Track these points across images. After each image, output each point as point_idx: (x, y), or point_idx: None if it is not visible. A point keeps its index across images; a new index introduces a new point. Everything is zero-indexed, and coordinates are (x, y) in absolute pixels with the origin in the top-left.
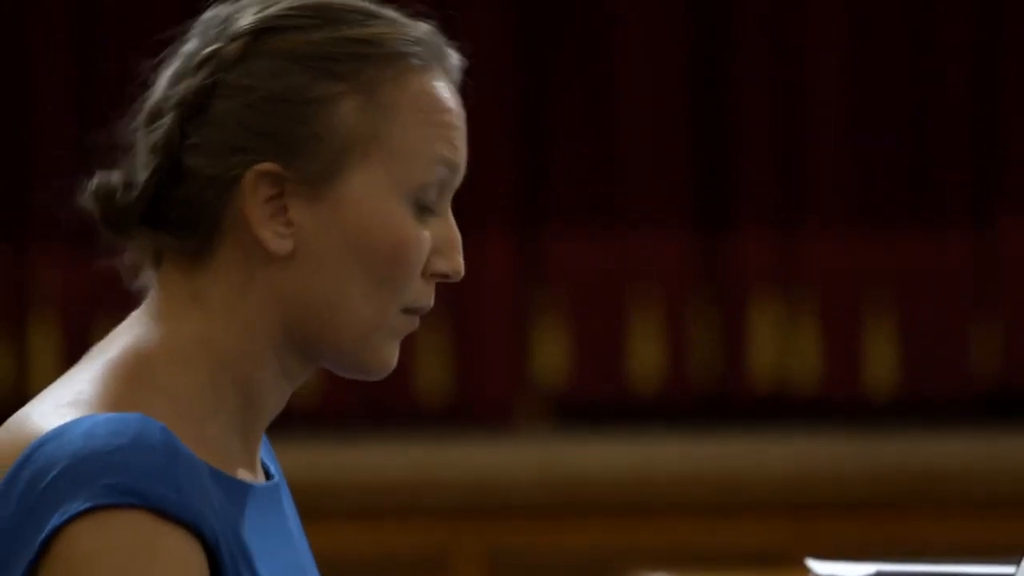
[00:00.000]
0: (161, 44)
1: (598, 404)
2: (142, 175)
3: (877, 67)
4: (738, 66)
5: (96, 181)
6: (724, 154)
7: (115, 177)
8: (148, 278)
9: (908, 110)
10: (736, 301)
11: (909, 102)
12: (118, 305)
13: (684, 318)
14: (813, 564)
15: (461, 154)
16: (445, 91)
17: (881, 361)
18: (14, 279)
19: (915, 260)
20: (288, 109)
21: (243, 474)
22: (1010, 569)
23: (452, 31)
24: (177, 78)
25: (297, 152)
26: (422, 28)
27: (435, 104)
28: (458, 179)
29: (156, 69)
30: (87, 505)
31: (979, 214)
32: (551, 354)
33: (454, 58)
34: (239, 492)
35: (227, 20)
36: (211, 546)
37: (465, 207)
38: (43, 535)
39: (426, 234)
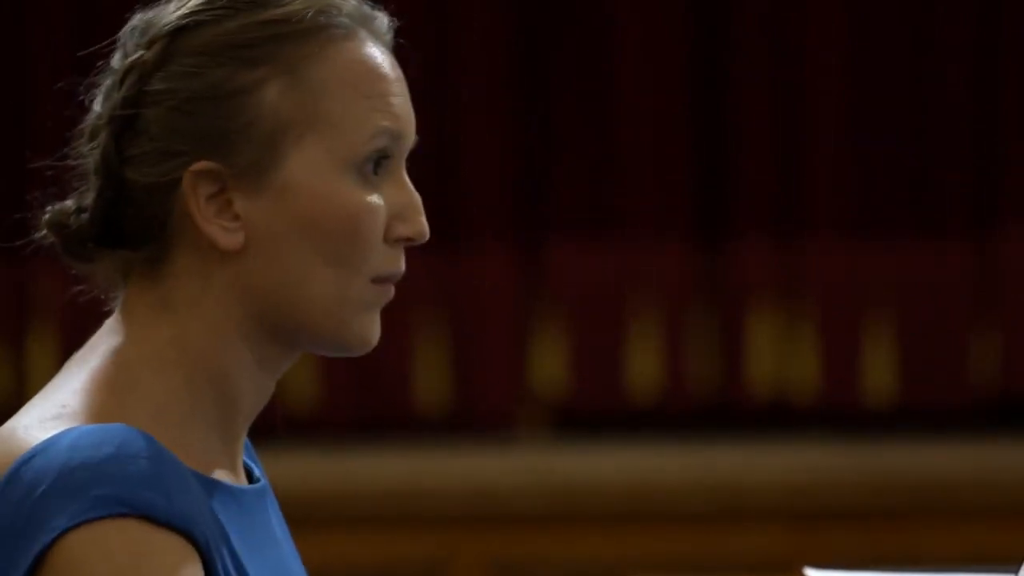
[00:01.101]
0: (96, 61)
1: (597, 413)
2: (90, 197)
3: (877, 75)
4: (738, 74)
5: (50, 211)
6: (724, 164)
7: (68, 204)
8: (121, 292)
9: (908, 118)
10: (735, 310)
11: (909, 110)
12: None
13: (683, 327)
14: (811, 572)
15: (402, 119)
16: (375, 57)
17: (880, 370)
18: (13, 289)
19: (914, 269)
20: (213, 105)
21: (225, 476)
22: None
23: (453, 45)
24: (108, 94)
25: (230, 146)
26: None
27: (365, 72)
28: (406, 143)
29: (92, 88)
30: (78, 519)
31: (979, 223)
32: (550, 363)
33: (382, 20)
34: (224, 495)
35: (146, 26)
36: (203, 549)
37: (464, 216)
38: (35, 551)
39: (377, 201)
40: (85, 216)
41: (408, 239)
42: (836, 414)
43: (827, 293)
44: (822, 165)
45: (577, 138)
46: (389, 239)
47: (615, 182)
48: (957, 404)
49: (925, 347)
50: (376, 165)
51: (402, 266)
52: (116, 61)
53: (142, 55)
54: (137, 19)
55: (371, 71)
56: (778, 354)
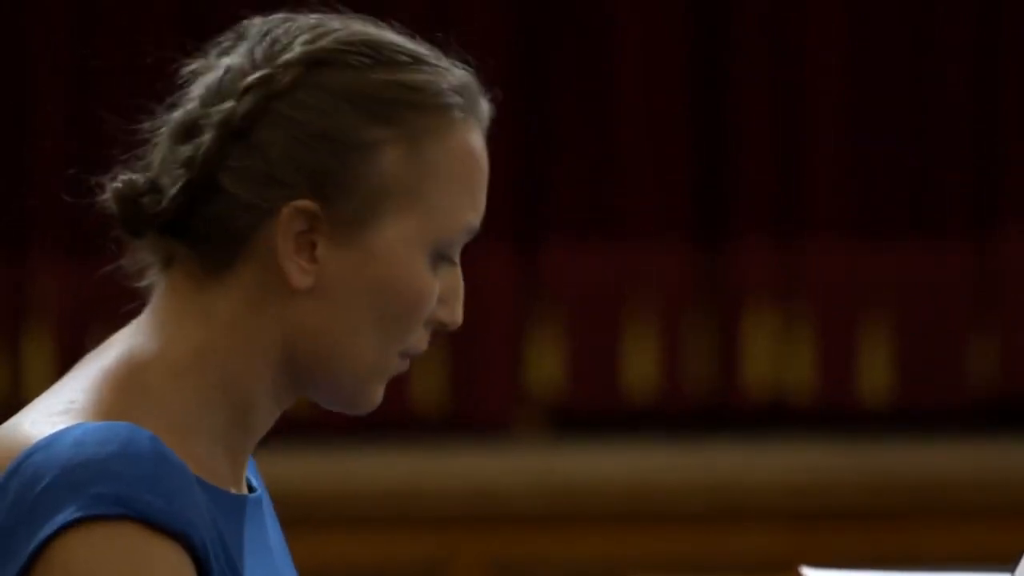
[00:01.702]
0: (195, 43)
1: (595, 414)
2: (171, 186)
3: (877, 75)
4: (737, 74)
5: (120, 180)
6: (723, 164)
7: (138, 179)
8: (154, 282)
9: (908, 119)
10: (734, 311)
11: (909, 111)
12: (113, 315)
13: (681, 328)
14: (807, 572)
15: (483, 212)
16: (480, 149)
17: (878, 371)
18: (9, 288)
19: (913, 269)
20: (334, 148)
21: (227, 486)
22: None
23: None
24: (217, 94)
25: (336, 193)
26: (463, 76)
27: (472, 164)
28: (474, 234)
29: (180, 78)
30: (77, 515)
31: (977, 224)
32: (549, 363)
33: (487, 109)
34: (225, 502)
35: (276, 43)
36: (200, 555)
37: None
38: (33, 546)
39: (437, 287)
40: (161, 199)
41: (442, 324)
42: (834, 414)
43: (825, 293)
44: (821, 166)
45: (576, 138)
46: (428, 320)
47: (614, 182)
48: (955, 404)
49: (923, 347)
50: (454, 252)
51: (426, 345)
52: (233, 61)
53: (275, 73)
54: (264, 27)
55: (477, 165)
56: (776, 354)
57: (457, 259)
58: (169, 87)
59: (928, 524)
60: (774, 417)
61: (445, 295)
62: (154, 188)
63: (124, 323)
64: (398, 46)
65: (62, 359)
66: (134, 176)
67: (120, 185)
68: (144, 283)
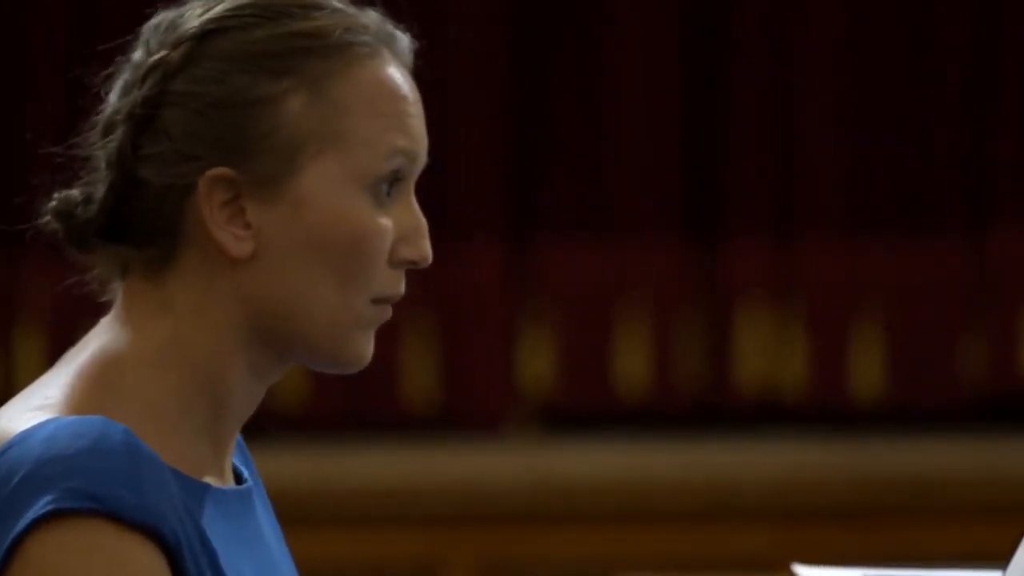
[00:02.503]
0: (112, 54)
1: (587, 412)
2: (99, 190)
3: (870, 74)
4: (731, 73)
5: (56, 199)
6: (716, 163)
7: (75, 193)
8: (116, 288)
9: (901, 118)
10: (726, 310)
11: (902, 110)
12: (105, 312)
13: (674, 326)
14: (799, 569)
15: (418, 140)
16: (396, 77)
17: (870, 369)
18: (1, 286)
19: (904, 269)
20: (234, 112)
21: (210, 478)
22: (995, 573)
23: (447, 42)
24: (126, 89)
25: (248, 155)
26: (369, 15)
27: (386, 92)
28: (418, 165)
29: (108, 80)
30: (48, 509)
31: (970, 222)
32: (540, 362)
33: (404, 41)
34: (206, 496)
35: (171, 25)
36: (173, 549)
37: (455, 214)
38: (7, 541)
39: (387, 223)
40: (93, 208)
41: (411, 262)
42: (826, 412)
43: (818, 292)
44: (814, 164)
45: (568, 136)
46: (393, 261)
47: (606, 180)
48: (947, 402)
49: (915, 346)
50: (389, 186)
51: (402, 288)
52: (137, 56)
53: (167, 55)
54: (161, 17)
55: (392, 92)
56: (769, 353)
57: (409, 196)
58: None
59: (921, 522)
60: (766, 415)
61: (404, 231)
62: (88, 198)
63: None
64: (289, 0)
65: (54, 357)
66: (70, 192)
67: (55, 203)
68: (109, 294)
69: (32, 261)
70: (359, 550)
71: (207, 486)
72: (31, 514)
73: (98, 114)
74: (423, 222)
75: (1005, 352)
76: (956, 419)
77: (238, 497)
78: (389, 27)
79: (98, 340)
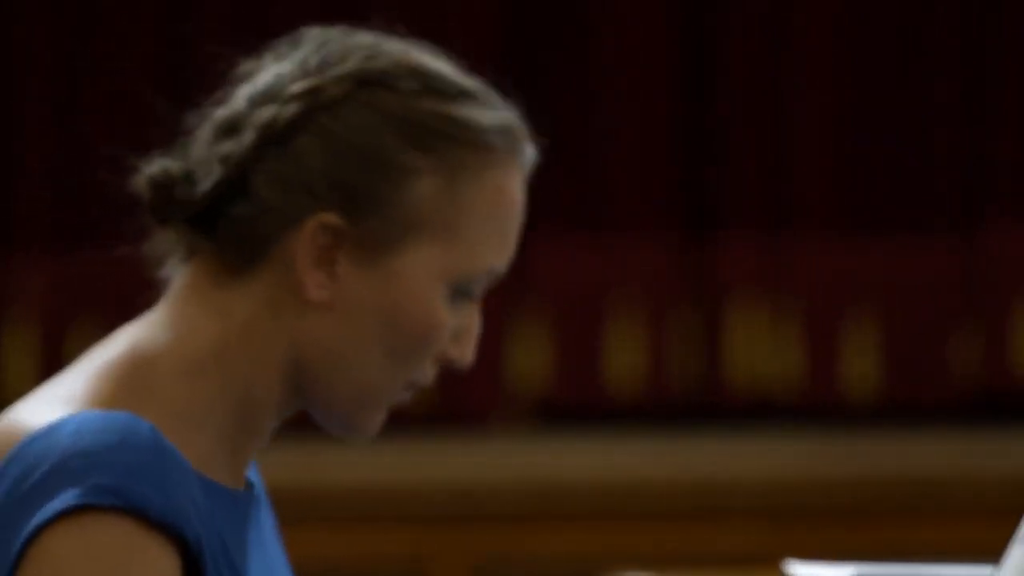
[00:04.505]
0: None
1: (580, 409)
2: (205, 179)
3: (864, 70)
4: (723, 69)
5: (156, 165)
6: (709, 160)
7: (175, 167)
8: (172, 273)
9: (894, 114)
10: (719, 307)
11: (895, 106)
12: (96, 309)
13: (666, 323)
14: (791, 565)
15: (510, 260)
16: (516, 192)
17: (864, 366)
18: None
19: (898, 266)
20: (370, 168)
21: (226, 482)
22: (988, 569)
23: (437, 31)
24: (263, 97)
25: (366, 213)
26: (509, 116)
27: (506, 207)
28: (498, 276)
29: (241, 72)
30: (71, 504)
31: (964, 219)
32: (533, 359)
33: (530, 153)
34: (222, 498)
35: (330, 56)
36: (194, 549)
37: None
38: (27, 532)
39: (451, 323)
40: (194, 191)
41: (450, 361)
42: (820, 410)
43: (811, 289)
44: (807, 161)
45: (561, 132)
46: (438, 354)
47: (599, 177)
48: (941, 400)
49: (909, 343)
50: (475, 290)
51: (432, 378)
52: (286, 71)
53: (322, 84)
54: (322, 37)
55: (511, 208)
56: (762, 350)
57: (477, 299)
58: (217, 82)
59: (915, 519)
60: (759, 412)
61: (459, 333)
62: (188, 179)
63: (107, 319)
64: (449, 77)
65: (44, 354)
66: (170, 163)
67: (156, 170)
68: (161, 273)
69: (23, 259)
70: (348, 549)
71: (229, 491)
72: (55, 506)
73: (217, 100)
74: (478, 327)
75: (1000, 349)
76: (950, 416)
77: (249, 502)
78: (523, 134)
79: (135, 335)
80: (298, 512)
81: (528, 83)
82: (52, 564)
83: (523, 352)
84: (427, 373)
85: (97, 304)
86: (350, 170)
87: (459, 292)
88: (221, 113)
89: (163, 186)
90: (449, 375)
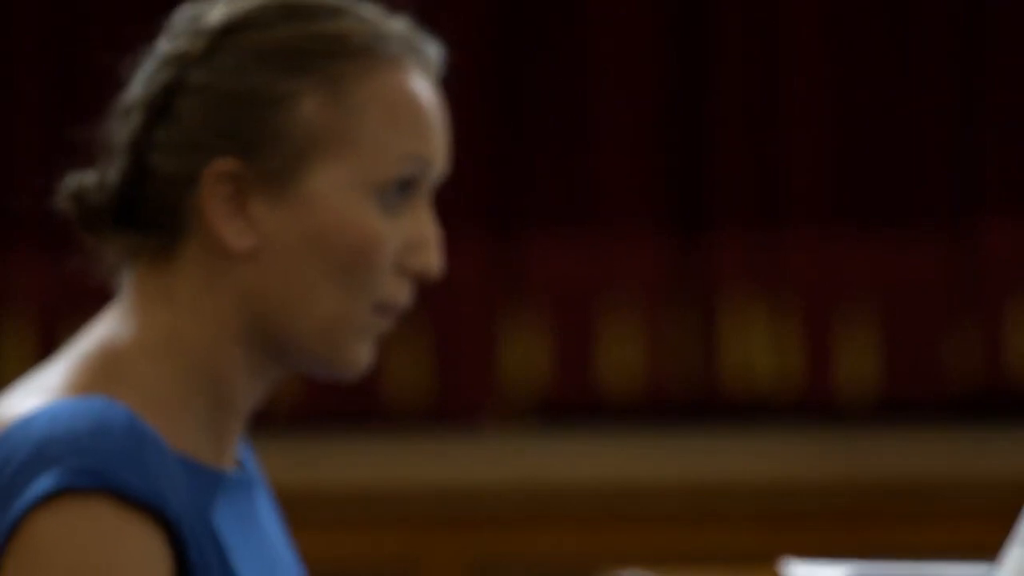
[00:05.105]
0: (142, 40)
1: (575, 408)
2: (113, 175)
3: (857, 65)
4: (715, 64)
5: (71, 181)
6: (701, 156)
7: (89, 177)
8: (122, 272)
9: (888, 109)
10: (714, 304)
11: (889, 101)
12: (90, 304)
13: (661, 321)
14: (788, 564)
15: (435, 149)
16: (416, 85)
17: (860, 364)
18: None
19: (893, 263)
20: (249, 107)
21: (209, 462)
22: (984, 568)
23: (430, 27)
24: (147, 77)
25: (258, 150)
26: (395, 23)
27: (403, 99)
28: (433, 174)
29: (133, 67)
30: (51, 487)
31: (960, 216)
32: (526, 358)
33: (431, 51)
34: (205, 477)
35: (195, 17)
36: (175, 528)
37: (440, 208)
38: (10, 518)
39: (392, 229)
40: (105, 192)
41: (417, 273)
42: (815, 408)
43: (806, 287)
44: (800, 157)
45: (552, 129)
46: (399, 269)
47: (592, 174)
48: (937, 398)
49: (906, 341)
50: (401, 192)
51: (406, 297)
52: (161, 45)
53: (188, 45)
54: (189, 8)
55: (409, 99)
56: (757, 348)
57: (422, 205)
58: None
59: (910, 518)
60: (755, 410)
61: (413, 240)
62: (101, 183)
63: (101, 312)
64: (317, 1)
65: (40, 351)
66: (84, 174)
67: (71, 185)
68: (117, 280)
69: (18, 256)
70: (339, 549)
71: (209, 469)
72: (36, 491)
73: (122, 99)
74: (434, 232)
75: (997, 348)
76: (946, 415)
77: (237, 483)
78: (417, 36)
79: (102, 329)
80: (290, 512)
81: (520, 81)
82: (37, 548)
83: (518, 351)
84: (395, 291)
85: (92, 300)
86: (230, 114)
87: (387, 198)
88: (117, 105)
89: (79, 197)
90: (445, 374)
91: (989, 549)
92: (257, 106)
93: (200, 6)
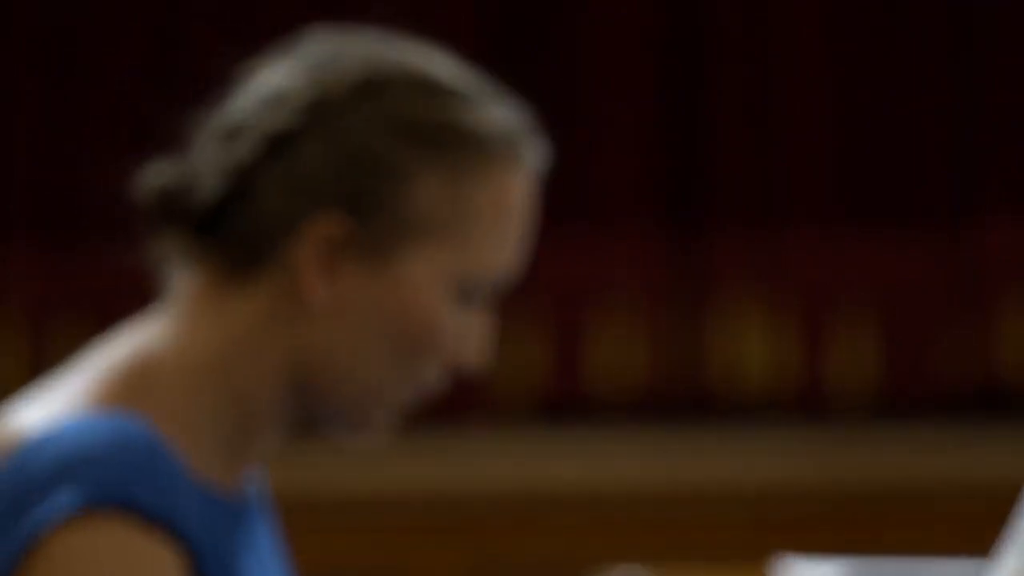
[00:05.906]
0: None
1: (570, 407)
2: (209, 185)
3: (856, 64)
4: (713, 62)
5: (158, 170)
6: (700, 154)
7: (178, 173)
8: (173, 278)
9: (888, 108)
10: (711, 304)
11: (889, 100)
12: (83, 307)
13: (659, 321)
14: (784, 560)
15: (517, 259)
16: (523, 194)
17: (858, 363)
18: None
19: (891, 262)
20: (372, 171)
21: (222, 486)
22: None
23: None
24: (267, 103)
25: (368, 215)
26: (512, 116)
27: (512, 207)
28: (507, 280)
29: (225, 82)
30: (72, 505)
31: (958, 215)
32: (522, 357)
33: (537, 152)
34: (220, 502)
35: (333, 61)
36: (190, 546)
37: None
38: (26, 534)
39: (455, 324)
40: (198, 198)
41: (458, 365)
42: (813, 407)
43: (804, 286)
44: (798, 155)
45: (549, 126)
46: (446, 359)
47: (590, 173)
48: (935, 398)
49: (904, 341)
50: (480, 292)
51: (437, 384)
52: (289, 77)
53: (329, 93)
54: (321, 45)
55: (517, 211)
56: (754, 348)
57: (485, 305)
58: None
59: (909, 518)
60: (752, 410)
61: (466, 337)
62: (192, 184)
63: (95, 318)
64: (450, 81)
65: (33, 352)
66: (173, 171)
67: (160, 178)
68: (163, 278)
69: (11, 257)
70: (332, 555)
71: (224, 494)
72: (52, 508)
73: (221, 103)
74: (487, 331)
75: (991, 347)
76: (942, 414)
77: (243, 507)
78: (530, 135)
79: (139, 338)
80: (283, 515)
81: (515, 80)
82: (56, 565)
83: (513, 351)
84: (434, 376)
85: (84, 303)
86: (352, 174)
87: (465, 294)
88: (222, 119)
89: (166, 191)
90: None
91: (985, 547)
92: (379, 173)
93: (336, 46)
